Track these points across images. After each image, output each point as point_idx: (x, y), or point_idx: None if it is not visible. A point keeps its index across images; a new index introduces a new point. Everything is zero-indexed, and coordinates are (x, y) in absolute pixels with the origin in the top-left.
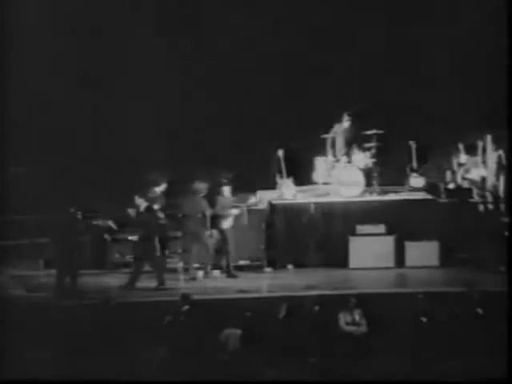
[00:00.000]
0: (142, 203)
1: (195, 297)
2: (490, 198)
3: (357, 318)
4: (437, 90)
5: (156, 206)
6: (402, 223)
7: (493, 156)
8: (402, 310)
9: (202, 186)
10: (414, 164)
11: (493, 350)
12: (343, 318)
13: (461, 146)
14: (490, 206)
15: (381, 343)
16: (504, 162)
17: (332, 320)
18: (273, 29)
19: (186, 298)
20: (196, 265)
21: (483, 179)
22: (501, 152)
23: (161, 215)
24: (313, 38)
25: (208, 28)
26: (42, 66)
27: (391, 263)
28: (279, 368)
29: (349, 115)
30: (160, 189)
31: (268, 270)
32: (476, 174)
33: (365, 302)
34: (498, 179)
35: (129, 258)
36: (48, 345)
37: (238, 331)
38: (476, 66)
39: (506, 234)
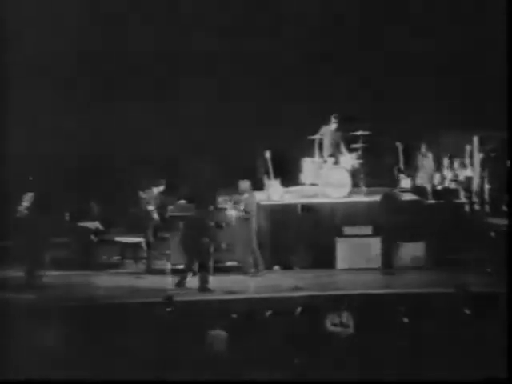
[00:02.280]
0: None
1: (183, 298)
2: (476, 199)
3: (344, 319)
4: (425, 91)
5: (151, 207)
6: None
7: (478, 157)
8: (391, 311)
9: (246, 185)
10: (402, 165)
11: (490, 351)
12: (330, 319)
13: (448, 148)
14: (476, 207)
15: (372, 344)
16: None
17: (319, 321)
18: (262, 29)
19: (169, 299)
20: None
21: (469, 180)
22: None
23: (155, 216)
24: (302, 38)
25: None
26: None
27: (378, 264)
28: (265, 369)
29: (336, 117)
30: (158, 189)
31: (253, 270)
32: (462, 175)
33: (352, 303)
34: (482, 180)
35: (115, 259)
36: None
37: (224, 333)
38: (468, 66)
39: (492, 234)
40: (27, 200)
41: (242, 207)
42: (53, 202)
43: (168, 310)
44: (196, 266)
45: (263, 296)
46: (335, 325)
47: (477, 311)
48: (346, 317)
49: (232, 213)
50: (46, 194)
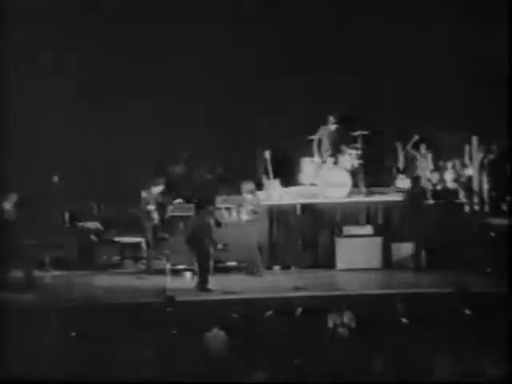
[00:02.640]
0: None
1: (183, 297)
2: (475, 199)
3: (346, 319)
4: (424, 90)
5: (151, 207)
6: (389, 224)
7: (478, 157)
8: (390, 311)
9: (250, 186)
10: (401, 165)
11: (488, 351)
12: (332, 320)
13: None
14: (476, 207)
15: (371, 345)
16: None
17: (320, 321)
18: (259, 27)
19: (170, 299)
20: (183, 266)
21: (469, 180)
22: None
23: (154, 216)
24: (300, 38)
25: (193, 27)
26: None
27: (378, 264)
28: (265, 370)
29: (334, 118)
30: (157, 189)
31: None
32: (464, 175)
33: (353, 303)
34: (481, 181)
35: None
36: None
37: (223, 332)
38: (467, 65)
39: (492, 234)
40: (10, 201)
41: (249, 208)
42: (42, 202)
43: (168, 309)
44: (196, 266)
45: (264, 296)
46: (337, 325)
47: (477, 311)
48: (347, 317)
49: (237, 213)
50: (32, 195)
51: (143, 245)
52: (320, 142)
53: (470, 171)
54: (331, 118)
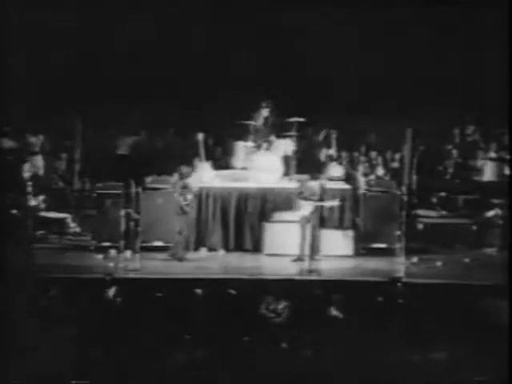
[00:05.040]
0: None
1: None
2: (404, 191)
3: (279, 307)
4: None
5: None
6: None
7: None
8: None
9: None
10: (334, 153)
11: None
12: (266, 304)
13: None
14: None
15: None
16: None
17: (252, 304)
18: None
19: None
20: None
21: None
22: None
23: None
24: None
25: None
26: None
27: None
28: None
29: (267, 104)
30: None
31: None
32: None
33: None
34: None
35: None
36: None
37: None
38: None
39: (420, 226)
40: None
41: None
42: None
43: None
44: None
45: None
46: (269, 310)
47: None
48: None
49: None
50: None
51: None
52: (254, 126)
53: (397, 163)
54: (266, 104)
